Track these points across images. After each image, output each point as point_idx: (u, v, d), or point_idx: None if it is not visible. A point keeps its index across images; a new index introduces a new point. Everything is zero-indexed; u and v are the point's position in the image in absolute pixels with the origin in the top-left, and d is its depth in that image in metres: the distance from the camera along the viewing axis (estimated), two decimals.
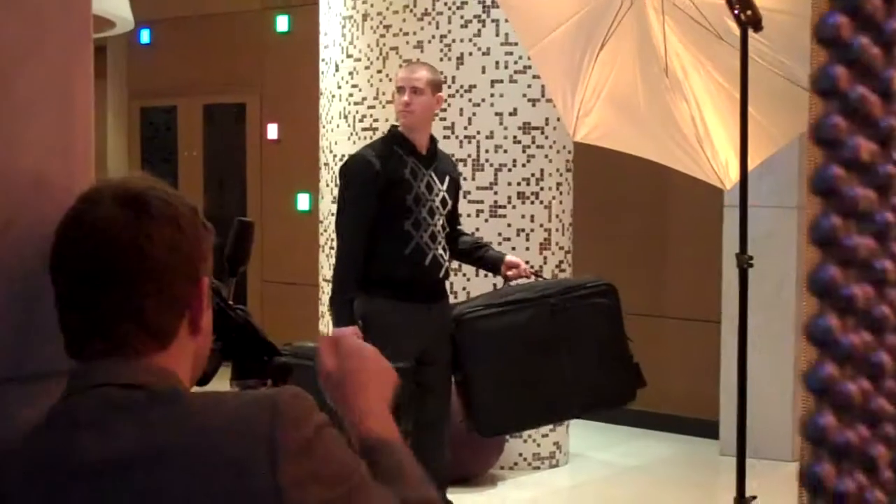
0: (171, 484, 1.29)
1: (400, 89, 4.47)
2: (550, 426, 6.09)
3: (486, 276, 5.44)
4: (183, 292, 1.43)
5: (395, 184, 4.38)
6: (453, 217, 4.68)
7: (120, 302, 1.39)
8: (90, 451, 1.33)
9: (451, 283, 5.85)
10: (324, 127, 6.51)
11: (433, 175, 4.49)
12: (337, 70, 6.35)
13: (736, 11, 3.61)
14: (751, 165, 3.81)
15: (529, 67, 5.89)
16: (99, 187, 1.44)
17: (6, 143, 1.52)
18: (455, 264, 5.33)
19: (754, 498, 3.77)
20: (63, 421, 1.37)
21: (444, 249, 4.54)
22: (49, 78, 1.57)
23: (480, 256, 4.78)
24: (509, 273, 4.60)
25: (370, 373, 1.56)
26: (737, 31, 3.71)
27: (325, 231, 6.35)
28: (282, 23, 8.89)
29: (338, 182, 4.79)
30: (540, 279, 4.81)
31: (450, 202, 4.58)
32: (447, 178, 4.57)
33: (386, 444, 1.48)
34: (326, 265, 6.24)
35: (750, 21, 3.62)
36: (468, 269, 5.68)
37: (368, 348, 1.59)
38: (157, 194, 1.43)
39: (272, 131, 9.03)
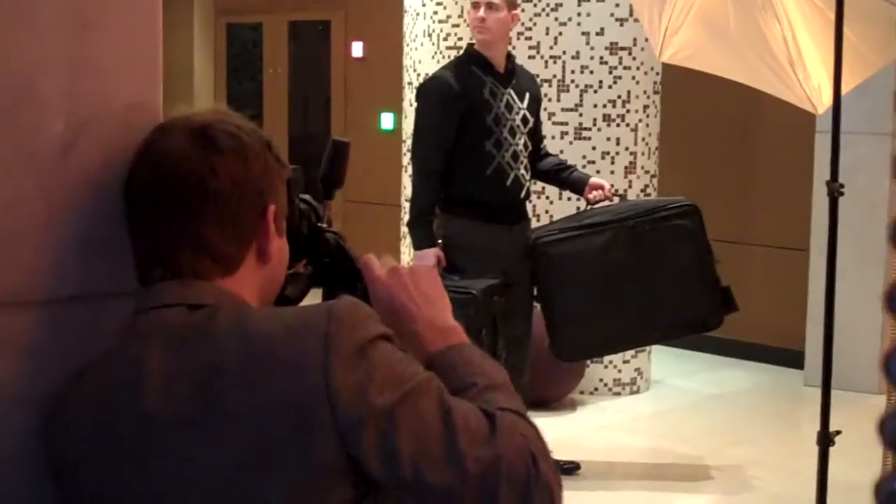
0: (229, 391, 1.31)
1: (475, 4, 4.38)
2: (632, 352, 6.03)
3: (569, 198, 5.37)
4: (248, 222, 1.44)
5: (474, 104, 4.31)
6: (536, 135, 4.60)
7: (179, 230, 1.41)
8: (153, 372, 1.35)
9: (534, 206, 5.79)
10: (408, 45, 6.44)
11: (512, 93, 4.42)
12: None
13: None
14: (844, 89, 3.67)
15: None
16: (174, 118, 1.48)
17: (66, 61, 1.50)
18: (538, 186, 5.27)
19: (838, 433, 3.69)
20: (126, 343, 1.40)
21: (525, 169, 4.47)
22: None
23: (564, 178, 4.71)
24: (591, 195, 4.52)
25: (420, 291, 1.50)
26: None
27: (409, 151, 6.30)
28: None
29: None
30: (622, 200, 4.72)
31: (531, 120, 4.50)
32: (527, 96, 4.49)
33: (452, 349, 1.45)
34: (409, 186, 6.21)
35: None
36: (551, 190, 5.61)
37: (404, 268, 1.53)
38: (225, 127, 1.45)
39: (357, 49, 8.97)
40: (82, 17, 1.51)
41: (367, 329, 1.33)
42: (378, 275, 1.51)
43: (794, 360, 6.68)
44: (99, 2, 1.53)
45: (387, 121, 8.66)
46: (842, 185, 3.59)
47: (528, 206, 4.77)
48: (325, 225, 1.72)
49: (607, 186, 4.57)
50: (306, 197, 1.74)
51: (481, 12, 4.35)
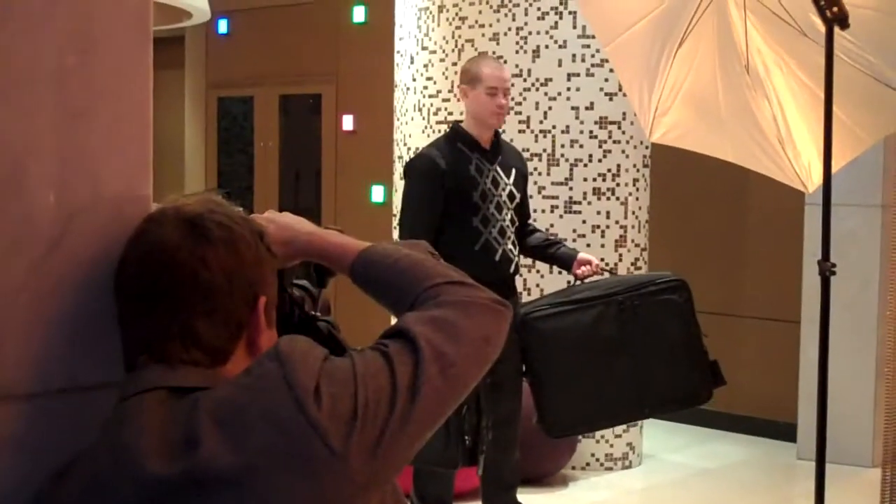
0: (223, 457, 1.30)
1: (492, 90, 4.37)
2: (624, 426, 6.00)
3: (560, 272, 5.36)
4: (239, 314, 1.44)
5: (461, 181, 4.31)
6: (523, 211, 4.60)
7: (169, 320, 1.41)
8: (137, 458, 1.33)
9: (525, 280, 5.79)
10: (398, 119, 6.47)
11: (498, 169, 4.42)
12: (412, 62, 6.31)
13: (822, 7, 3.48)
14: (835, 168, 3.68)
15: (607, 61, 5.79)
16: (165, 207, 1.48)
17: (57, 150, 1.49)
18: (529, 260, 5.26)
19: None
20: (108, 433, 1.39)
21: (513, 245, 4.47)
22: (103, 78, 1.53)
23: (552, 253, 4.70)
24: (580, 270, 4.51)
25: (297, 220, 1.65)
26: (822, 27, 3.58)
27: (398, 226, 6.31)
28: (358, 13, 8.87)
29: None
30: (612, 275, 4.72)
31: (517, 196, 4.50)
32: (513, 171, 4.50)
33: (371, 251, 1.57)
34: None
35: (836, 17, 3.48)
36: (542, 265, 5.60)
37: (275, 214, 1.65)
38: (216, 217, 1.45)
39: (348, 122, 9.01)
40: (73, 105, 1.51)
41: (314, 356, 1.36)
42: (268, 226, 1.56)
43: (786, 433, 6.64)
44: (90, 91, 1.52)
45: (377, 194, 8.68)
46: (833, 265, 3.58)
47: (519, 281, 4.75)
48: (318, 313, 1.70)
49: (595, 262, 4.55)
50: (303, 283, 1.73)
51: (501, 99, 4.37)
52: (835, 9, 3.47)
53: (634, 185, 6.11)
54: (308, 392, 1.32)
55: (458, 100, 6.05)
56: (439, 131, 5.80)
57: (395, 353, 1.38)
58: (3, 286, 1.45)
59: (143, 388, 1.39)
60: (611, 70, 5.77)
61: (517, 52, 5.94)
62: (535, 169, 5.81)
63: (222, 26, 9.67)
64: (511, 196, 4.45)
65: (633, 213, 6.11)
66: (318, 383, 1.33)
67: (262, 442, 1.30)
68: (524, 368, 4.37)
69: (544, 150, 5.97)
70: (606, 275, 4.60)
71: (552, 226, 5.82)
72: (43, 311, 1.48)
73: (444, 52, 6.13)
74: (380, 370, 1.37)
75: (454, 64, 6.06)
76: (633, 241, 6.12)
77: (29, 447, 1.47)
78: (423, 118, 6.21)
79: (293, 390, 1.32)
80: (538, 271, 5.83)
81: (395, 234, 6.34)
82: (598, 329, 4.30)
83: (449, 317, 1.44)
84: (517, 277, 4.59)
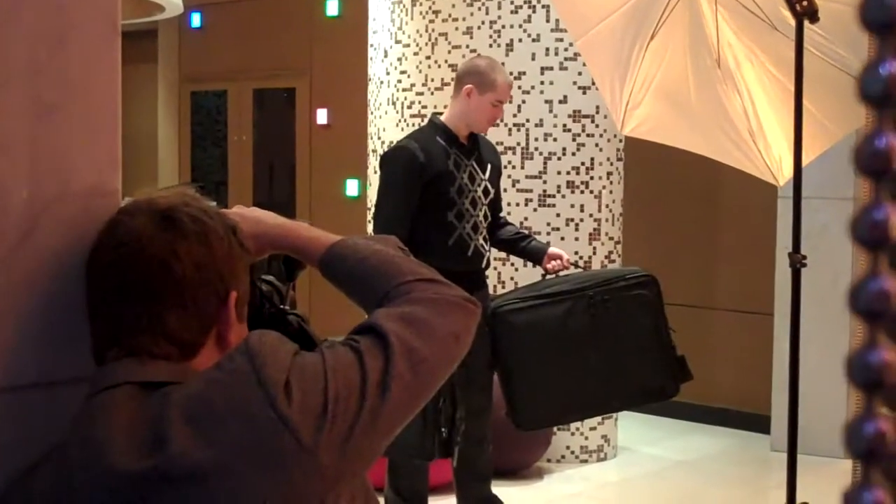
0: (192, 453, 1.30)
1: (499, 102, 4.37)
2: (599, 419, 6.02)
3: (534, 266, 5.38)
4: (209, 308, 1.44)
5: (439, 175, 4.31)
6: (495, 206, 4.61)
7: (139, 312, 1.41)
8: (107, 453, 1.33)
9: (499, 273, 5.80)
10: (372, 113, 6.47)
11: (475, 165, 4.42)
12: (386, 56, 6.30)
13: (791, 1, 3.50)
14: (805, 160, 3.71)
15: (580, 54, 5.80)
16: (139, 200, 1.48)
17: (28, 143, 1.49)
18: (503, 254, 5.27)
19: None
20: (77, 429, 1.39)
21: (484, 240, 4.47)
22: (73, 72, 1.53)
23: (522, 247, 4.70)
24: (549, 265, 4.52)
25: (266, 214, 1.64)
26: (792, 21, 3.61)
27: (372, 220, 6.31)
28: (332, 7, 8.85)
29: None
30: (581, 270, 4.74)
31: (492, 191, 4.51)
32: (489, 167, 4.50)
33: (341, 245, 1.57)
34: None
35: (806, 11, 3.51)
36: (516, 259, 5.61)
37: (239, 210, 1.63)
38: (190, 211, 1.44)
39: (322, 116, 9.00)
40: (43, 100, 1.51)
41: (284, 351, 1.37)
42: (238, 220, 1.55)
43: (760, 424, 6.68)
44: (60, 85, 1.52)
45: (352, 187, 8.67)
46: (804, 257, 3.61)
47: (493, 274, 4.77)
48: (287, 307, 1.71)
49: (565, 256, 4.56)
50: (270, 278, 1.73)
51: (500, 112, 4.40)
52: (804, 3, 3.49)
53: (608, 178, 6.13)
54: (278, 387, 1.32)
55: (432, 93, 6.09)
56: (413, 125, 5.80)
57: (366, 349, 1.39)
58: None
59: (114, 382, 1.39)
60: (584, 64, 5.78)
61: (490, 45, 5.94)
62: (509, 162, 5.82)
63: (195, 20, 9.64)
64: (486, 191, 4.46)
65: (607, 206, 6.13)
66: (288, 378, 1.33)
67: (231, 437, 1.31)
68: (495, 361, 4.39)
69: (518, 144, 5.98)
70: (575, 269, 4.61)
71: (526, 219, 5.83)
72: (13, 305, 1.48)
73: (417, 45, 6.13)
74: (350, 365, 1.37)
75: (427, 58, 6.06)
76: (607, 234, 6.14)
77: (1, 444, 1.47)
78: (397, 112, 6.21)
79: (263, 385, 1.32)
80: (513, 265, 5.84)
81: (371, 228, 6.34)
82: (568, 323, 4.32)
83: (419, 313, 1.45)
84: (488, 271, 4.60)
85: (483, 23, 5.98)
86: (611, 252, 6.16)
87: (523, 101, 5.97)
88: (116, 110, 1.58)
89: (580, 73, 5.94)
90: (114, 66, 1.58)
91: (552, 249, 4.57)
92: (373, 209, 6.23)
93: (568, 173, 6.01)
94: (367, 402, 1.35)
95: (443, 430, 4.17)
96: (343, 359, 1.38)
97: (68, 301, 1.48)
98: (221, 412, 1.32)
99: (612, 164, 6.15)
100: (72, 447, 1.37)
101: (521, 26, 5.97)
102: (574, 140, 6.01)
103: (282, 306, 1.69)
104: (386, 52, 6.30)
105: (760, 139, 4.20)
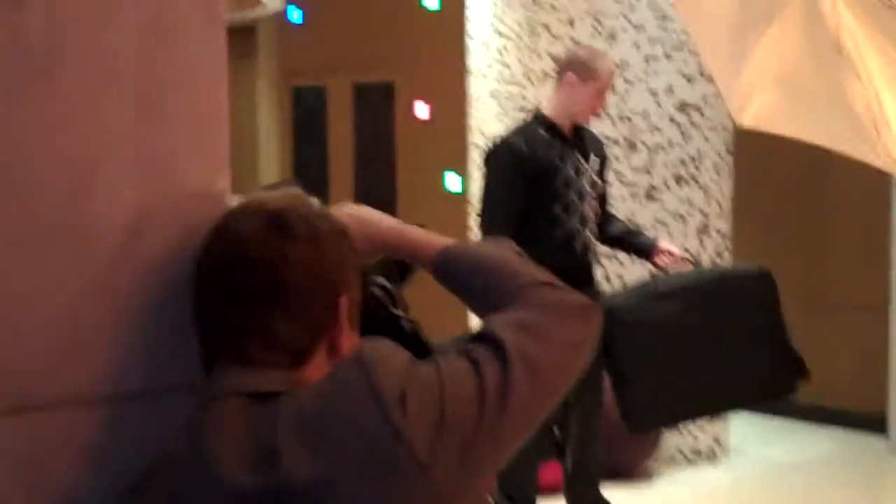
0: (305, 469, 1.24)
1: (602, 92, 4.29)
2: (708, 418, 5.86)
3: (641, 262, 5.25)
4: (319, 314, 1.38)
5: (544, 169, 4.22)
6: (603, 199, 4.51)
7: (249, 319, 1.35)
8: (220, 468, 1.28)
9: (606, 269, 5.67)
10: (473, 106, 6.39)
11: (580, 157, 4.33)
12: (486, 48, 6.21)
13: None
14: None
15: (685, 43, 5.65)
16: (248, 202, 1.42)
17: (132, 143, 1.43)
18: (609, 250, 5.15)
19: None
20: (189, 440, 1.33)
21: (592, 234, 4.38)
22: (177, 72, 1.47)
23: (631, 243, 4.61)
24: (659, 260, 4.41)
25: (377, 215, 1.58)
26: None
27: (476, 214, 6.22)
28: (431, 0, 8.79)
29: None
30: (694, 266, 4.60)
31: (599, 184, 4.41)
32: (596, 160, 4.40)
33: (456, 248, 1.51)
34: None
35: None
36: (623, 255, 5.49)
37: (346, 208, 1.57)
38: (300, 212, 1.39)
39: (421, 110, 8.94)
40: (149, 98, 1.45)
41: (398, 362, 1.30)
42: (348, 221, 1.49)
43: (877, 424, 6.46)
44: (164, 87, 1.47)
45: (452, 182, 8.61)
46: None
47: (600, 271, 4.65)
48: (401, 312, 1.63)
49: (676, 251, 4.45)
50: (382, 281, 1.65)
51: (604, 101, 4.31)
52: None
53: (716, 170, 5.95)
54: (393, 398, 1.25)
55: (534, 85, 5.98)
56: (515, 118, 5.70)
57: (483, 358, 1.31)
58: (78, 286, 1.40)
59: (223, 392, 1.33)
60: (690, 52, 5.64)
61: (593, 35, 5.82)
62: (614, 155, 5.69)
63: (295, 15, 9.66)
64: (593, 184, 4.36)
65: (716, 199, 5.96)
66: (403, 390, 1.26)
67: (344, 452, 1.24)
68: (606, 361, 4.28)
69: (622, 136, 5.84)
70: (688, 265, 4.49)
71: (633, 214, 5.69)
72: (118, 310, 1.43)
73: (518, 36, 6.03)
74: (466, 376, 1.30)
75: (529, 48, 5.95)
76: (715, 229, 5.97)
77: (107, 455, 1.43)
78: (499, 105, 6.12)
79: (377, 397, 1.25)
80: (620, 261, 5.71)
81: (473, 223, 6.26)
82: (682, 322, 4.20)
83: (538, 321, 1.37)
84: (594, 266, 4.49)
85: (585, 12, 5.86)
86: (719, 247, 5.99)
87: (627, 92, 5.83)
88: (222, 108, 1.52)
89: (686, 63, 5.78)
90: (219, 61, 1.52)
91: (662, 244, 4.45)
92: (476, 205, 6.17)
93: (675, 166, 5.85)
94: (486, 414, 1.28)
95: (554, 430, 4.08)
96: (459, 368, 1.31)
97: (175, 306, 1.43)
98: (333, 426, 1.26)
99: (720, 156, 5.97)
100: (181, 462, 1.32)
101: (624, 15, 5.83)
102: (681, 132, 5.85)
103: (395, 311, 1.62)
104: (486, 44, 6.21)
105: (885, 129, 4.01)
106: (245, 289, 1.35)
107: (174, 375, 1.47)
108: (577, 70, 4.26)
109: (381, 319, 1.58)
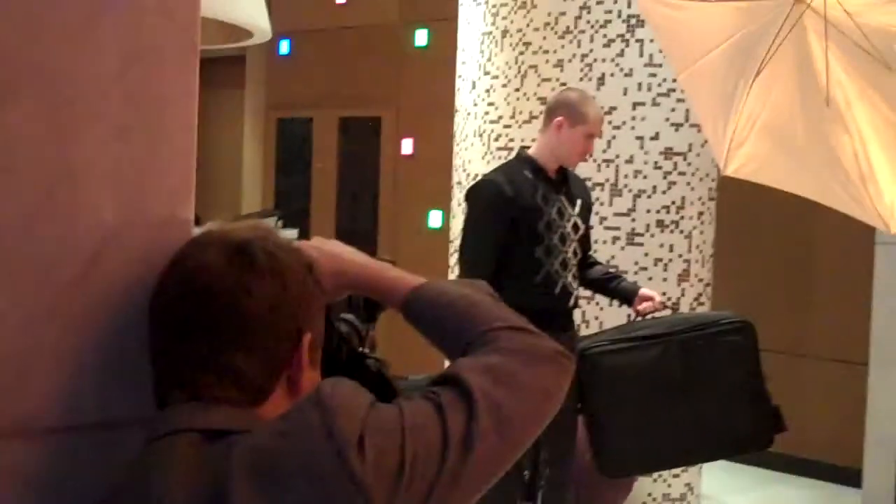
0: None
1: (591, 136, 4.26)
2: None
3: (620, 305, 5.21)
4: (280, 350, 1.33)
5: (527, 210, 4.18)
6: (585, 243, 4.47)
7: (206, 352, 1.30)
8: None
9: (584, 312, 5.63)
10: (458, 145, 6.36)
11: (564, 200, 4.30)
12: (473, 87, 6.20)
13: None
14: None
15: (673, 90, 5.65)
16: (211, 232, 1.36)
17: (98, 166, 1.39)
18: (588, 293, 5.12)
19: None
20: (135, 477, 1.28)
21: (573, 277, 4.34)
22: (146, 95, 1.42)
23: (613, 287, 4.58)
24: (641, 306, 4.38)
25: (347, 250, 1.53)
26: None
27: (457, 252, 6.19)
28: (420, 37, 8.79)
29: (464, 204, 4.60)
30: (673, 312, 4.57)
31: (582, 227, 4.38)
32: (579, 203, 4.37)
33: (427, 288, 1.46)
34: None
35: None
36: (602, 298, 5.45)
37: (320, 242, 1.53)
38: (264, 245, 1.33)
39: (407, 146, 8.93)
40: (117, 122, 1.41)
41: (359, 403, 1.25)
42: (317, 256, 1.44)
43: (851, 478, 6.41)
44: (133, 107, 1.42)
45: (435, 219, 8.57)
46: None
47: (578, 313, 4.62)
48: (367, 350, 1.59)
49: (657, 297, 4.42)
50: (349, 317, 1.61)
51: (592, 146, 4.28)
52: None
53: (699, 218, 5.94)
54: (351, 444, 1.20)
55: (520, 126, 5.96)
56: (500, 158, 5.68)
57: (448, 404, 1.27)
58: (33, 311, 1.35)
59: (175, 428, 1.28)
60: (678, 100, 5.63)
61: (581, 79, 5.80)
62: (598, 199, 5.66)
63: (284, 47, 9.65)
64: (575, 227, 4.33)
65: (698, 246, 5.94)
66: (362, 434, 1.21)
67: (298, 497, 1.19)
68: (580, 405, 4.24)
69: (607, 180, 5.82)
70: (668, 311, 4.46)
71: (613, 257, 5.66)
72: (74, 338, 1.38)
73: (506, 77, 6.01)
74: (430, 421, 1.25)
75: (517, 90, 5.94)
76: (696, 275, 5.94)
77: (56, 487, 1.38)
78: (484, 144, 6.09)
79: (334, 440, 1.20)
80: (598, 304, 5.67)
81: (453, 261, 6.22)
82: (659, 368, 4.18)
83: (507, 366, 1.33)
84: (574, 311, 4.46)
85: (574, 56, 5.85)
86: (700, 294, 5.96)
87: (613, 137, 5.82)
88: (192, 134, 1.47)
89: (673, 110, 5.77)
90: (190, 88, 1.48)
91: (644, 290, 4.43)
92: (457, 242, 6.13)
93: (658, 212, 5.83)
94: (448, 462, 1.24)
95: (525, 472, 4.03)
96: (423, 414, 1.26)
97: (133, 336, 1.39)
98: (288, 469, 1.21)
99: (703, 203, 5.96)
100: (127, 500, 1.26)
101: (613, 60, 5.82)
102: (665, 178, 5.84)
103: (360, 349, 1.57)
104: (474, 83, 6.20)
105: (871, 184, 4.00)
106: (203, 321, 1.30)
107: (128, 408, 1.42)
108: (567, 113, 4.24)
109: (345, 357, 1.54)
